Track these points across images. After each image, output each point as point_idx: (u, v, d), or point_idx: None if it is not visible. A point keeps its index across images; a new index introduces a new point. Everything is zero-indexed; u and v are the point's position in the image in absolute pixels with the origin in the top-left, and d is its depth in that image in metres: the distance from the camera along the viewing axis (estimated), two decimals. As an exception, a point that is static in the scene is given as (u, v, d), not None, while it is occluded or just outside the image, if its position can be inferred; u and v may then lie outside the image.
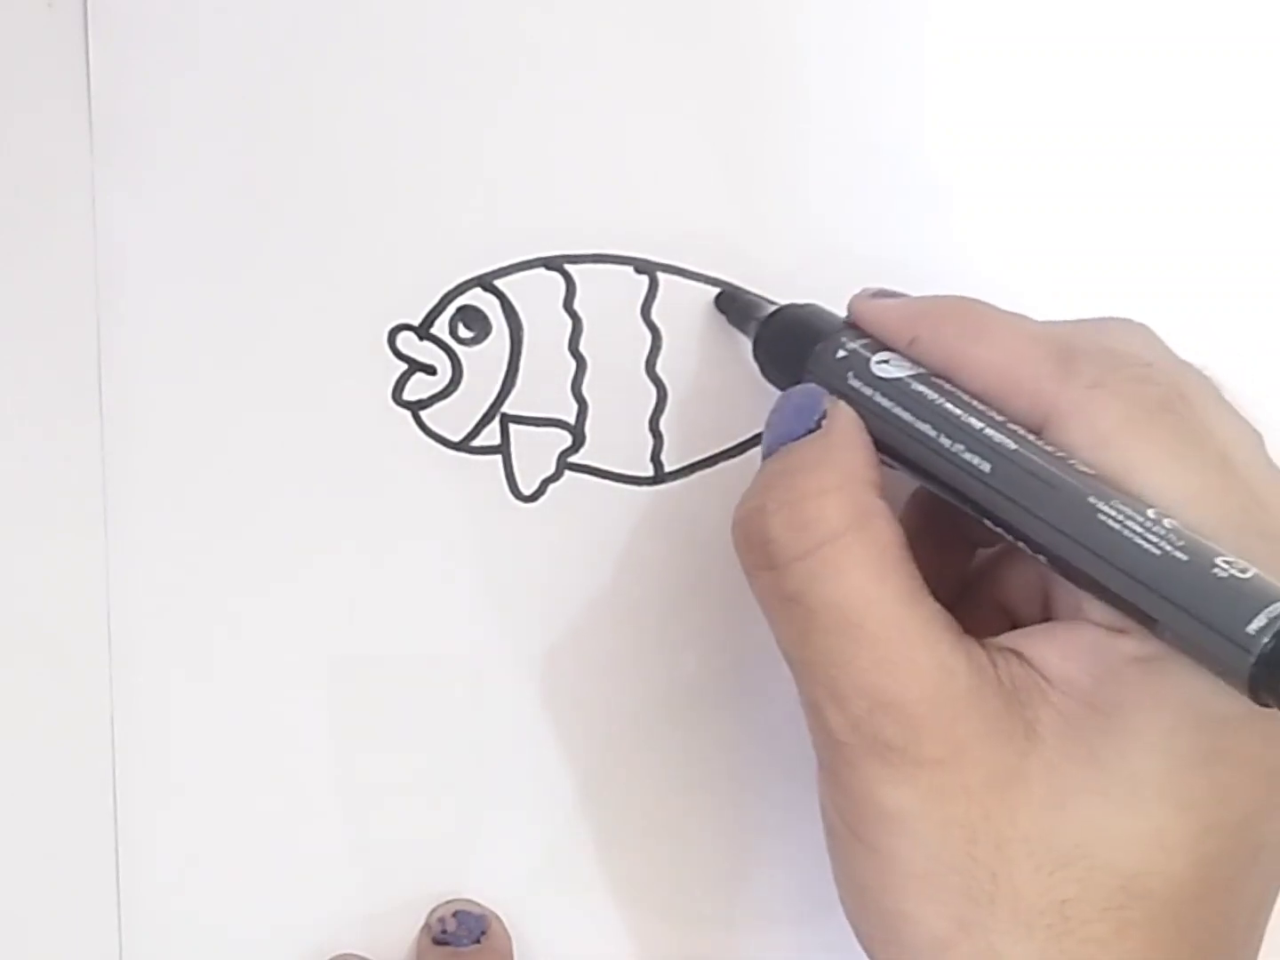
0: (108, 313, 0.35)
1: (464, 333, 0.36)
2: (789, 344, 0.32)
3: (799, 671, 0.29)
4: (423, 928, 0.35)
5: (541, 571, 0.36)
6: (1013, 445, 0.27)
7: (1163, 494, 0.26)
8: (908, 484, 0.31)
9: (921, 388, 0.29)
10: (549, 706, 0.36)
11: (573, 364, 0.36)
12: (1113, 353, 0.29)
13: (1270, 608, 0.24)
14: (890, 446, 0.29)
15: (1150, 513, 0.26)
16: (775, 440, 0.30)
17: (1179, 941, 0.27)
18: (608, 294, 0.36)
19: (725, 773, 0.37)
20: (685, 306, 0.36)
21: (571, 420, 0.36)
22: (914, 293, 0.36)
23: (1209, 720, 0.27)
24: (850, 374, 0.30)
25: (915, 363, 0.29)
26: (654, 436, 0.36)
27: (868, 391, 0.29)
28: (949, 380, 0.29)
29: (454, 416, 0.36)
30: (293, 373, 0.36)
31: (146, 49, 0.35)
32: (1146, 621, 0.25)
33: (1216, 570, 0.25)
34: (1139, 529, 0.25)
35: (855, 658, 0.28)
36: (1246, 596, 0.24)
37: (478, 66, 0.36)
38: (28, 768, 0.35)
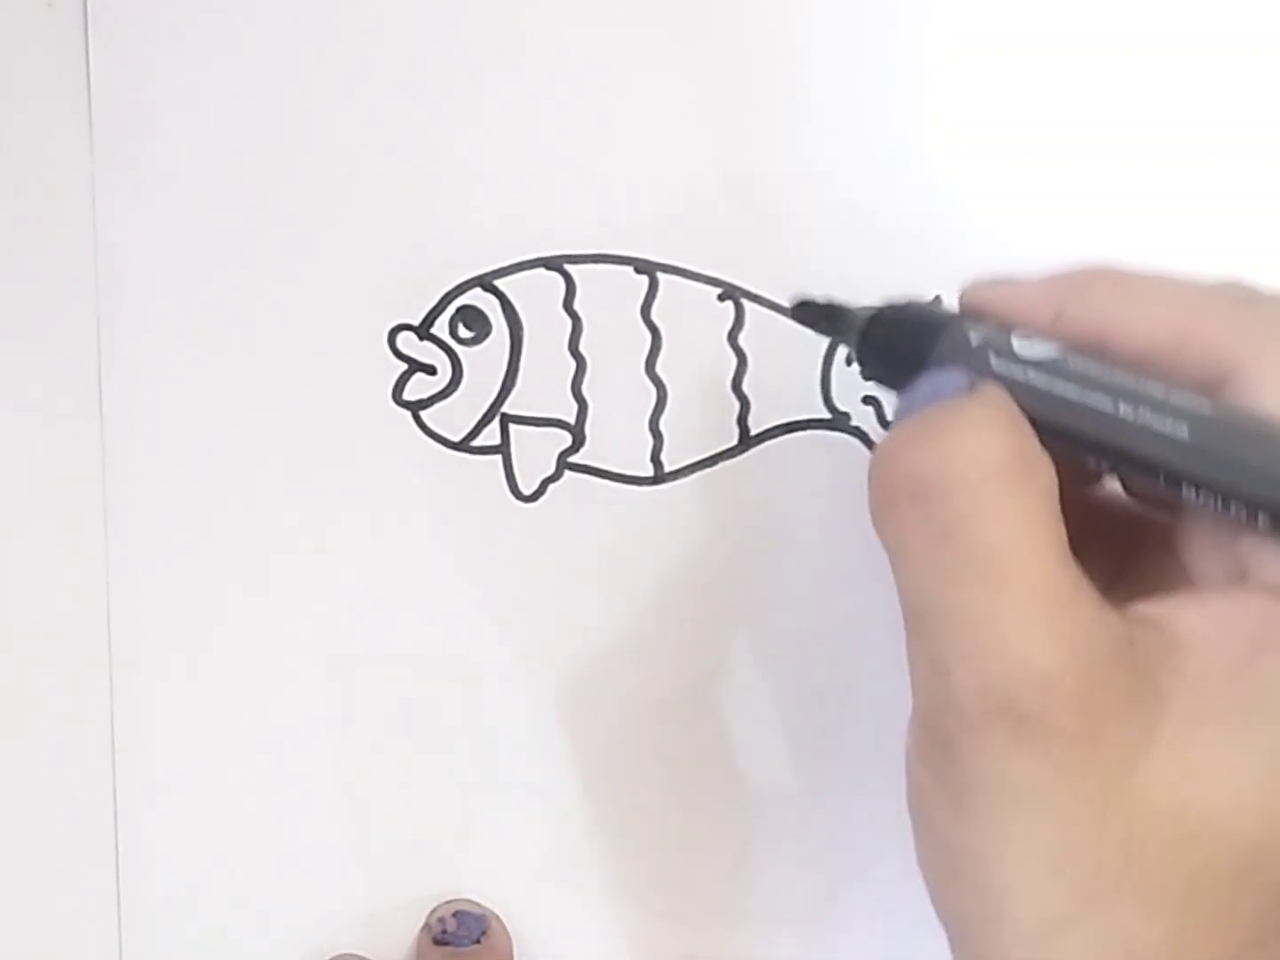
0: (108, 313, 0.35)
1: (464, 333, 0.36)
2: (905, 342, 0.29)
3: (928, 622, 0.26)
4: (423, 928, 0.35)
5: (541, 571, 0.36)
6: (1207, 407, 0.26)
7: None
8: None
9: (1079, 359, 0.27)
10: (549, 706, 0.36)
11: (573, 364, 0.36)
12: None
13: None
14: (1051, 427, 0.27)
15: None
16: (922, 401, 0.27)
17: None
18: (608, 294, 0.36)
19: (725, 773, 0.37)
20: (685, 306, 0.36)
21: (571, 420, 0.36)
22: (918, 291, 0.35)
23: None
24: (993, 356, 0.27)
25: (1058, 339, 0.27)
26: (654, 436, 0.36)
27: (1019, 372, 0.27)
28: (1105, 350, 0.27)
29: (454, 416, 0.36)
30: (293, 373, 0.36)
31: (146, 49, 0.35)
32: None
33: None
34: None
35: (1003, 612, 0.25)
36: None
37: (478, 67, 0.36)
38: (28, 768, 0.35)
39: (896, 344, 0.29)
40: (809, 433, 0.37)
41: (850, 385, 0.37)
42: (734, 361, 0.36)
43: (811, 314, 0.32)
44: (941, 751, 0.27)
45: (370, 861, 0.36)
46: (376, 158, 0.36)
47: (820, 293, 0.31)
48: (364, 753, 0.36)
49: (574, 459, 0.36)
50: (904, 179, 0.37)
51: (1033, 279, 0.29)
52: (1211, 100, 0.37)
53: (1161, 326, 0.26)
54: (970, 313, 0.29)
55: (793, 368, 0.36)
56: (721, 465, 0.36)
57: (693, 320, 0.36)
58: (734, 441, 0.36)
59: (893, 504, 0.27)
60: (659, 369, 0.36)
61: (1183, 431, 0.25)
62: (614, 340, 0.36)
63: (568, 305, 0.36)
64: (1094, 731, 0.25)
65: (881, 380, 0.30)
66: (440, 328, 0.36)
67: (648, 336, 0.36)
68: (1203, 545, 0.28)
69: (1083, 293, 0.28)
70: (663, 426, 0.36)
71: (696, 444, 0.36)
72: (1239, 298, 0.27)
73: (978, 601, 0.25)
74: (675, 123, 0.36)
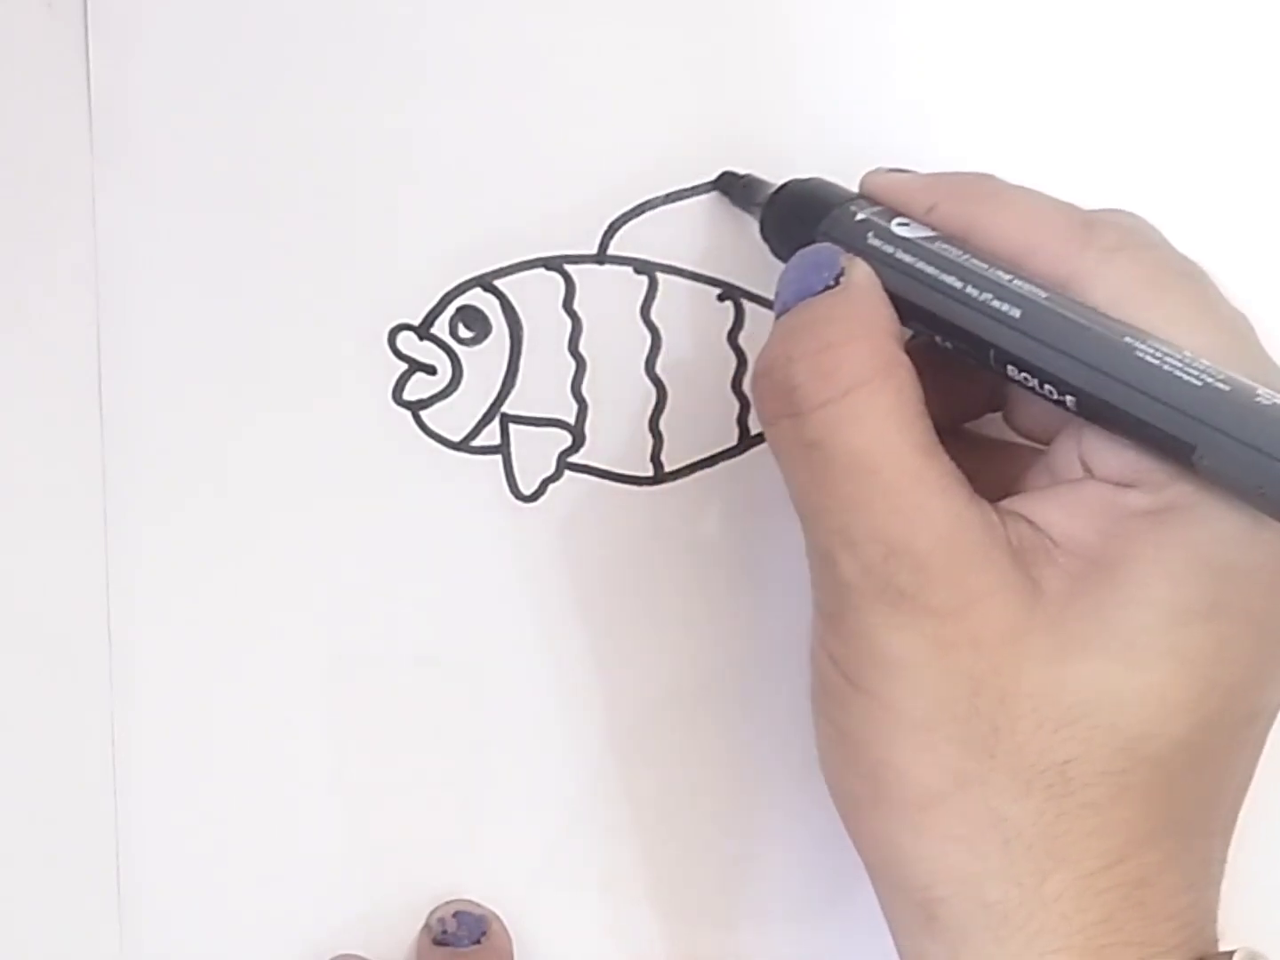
0: (108, 313, 0.35)
1: (464, 333, 0.36)
2: (800, 214, 0.32)
3: (812, 520, 0.29)
4: (423, 928, 0.35)
5: (541, 571, 0.36)
6: (1043, 293, 0.28)
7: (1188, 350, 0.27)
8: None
9: (944, 245, 0.29)
10: (549, 706, 0.36)
11: (573, 364, 0.36)
12: (1129, 226, 0.29)
13: None
14: (911, 302, 0.29)
15: (1186, 353, 0.26)
16: (792, 297, 0.30)
17: (1169, 811, 0.27)
18: (608, 294, 0.36)
19: (726, 773, 0.37)
20: (685, 306, 0.36)
21: (571, 420, 0.36)
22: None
23: (1212, 570, 0.27)
24: (870, 234, 0.30)
25: (933, 228, 0.30)
26: (654, 436, 0.36)
27: (889, 249, 0.30)
28: (967, 246, 0.29)
29: (454, 416, 0.36)
30: (293, 373, 0.36)
31: (146, 49, 0.35)
32: (1183, 452, 0.26)
33: (1259, 398, 0.25)
34: (1179, 364, 0.26)
35: (871, 503, 0.28)
36: None
37: (478, 67, 0.36)
38: (28, 768, 0.35)
39: (793, 218, 0.32)
40: (809, 433, 0.36)
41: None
42: (734, 361, 0.36)
43: (728, 185, 0.35)
44: (834, 632, 0.29)
45: (370, 861, 0.36)
46: (376, 158, 0.36)
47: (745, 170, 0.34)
48: (364, 752, 0.36)
49: (574, 459, 0.36)
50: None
51: (919, 174, 0.32)
52: (1214, 97, 0.37)
53: (1016, 233, 0.29)
54: (867, 194, 0.32)
55: (793, 368, 0.36)
56: (721, 465, 0.36)
57: (693, 320, 0.36)
58: (734, 441, 0.36)
59: (770, 418, 0.29)
60: (659, 369, 0.36)
61: (1015, 313, 0.28)
62: (614, 340, 0.36)
63: (568, 305, 0.36)
64: (969, 610, 0.27)
65: (777, 253, 0.32)
66: (440, 328, 0.36)
67: (648, 336, 0.36)
68: (1060, 452, 0.30)
69: (958, 192, 0.30)
70: (663, 426, 0.36)
71: (696, 444, 0.36)
72: (1084, 219, 0.29)
73: (848, 496, 0.28)
74: (676, 123, 0.36)
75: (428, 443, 0.36)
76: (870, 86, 0.36)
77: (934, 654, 0.27)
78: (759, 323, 0.36)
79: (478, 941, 0.35)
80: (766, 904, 0.37)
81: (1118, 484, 0.28)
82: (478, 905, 0.36)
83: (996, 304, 0.28)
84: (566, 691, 0.36)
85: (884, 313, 0.29)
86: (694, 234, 0.36)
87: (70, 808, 0.35)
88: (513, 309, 0.36)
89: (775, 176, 0.35)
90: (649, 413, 0.36)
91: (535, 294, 0.36)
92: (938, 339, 0.29)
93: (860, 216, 0.31)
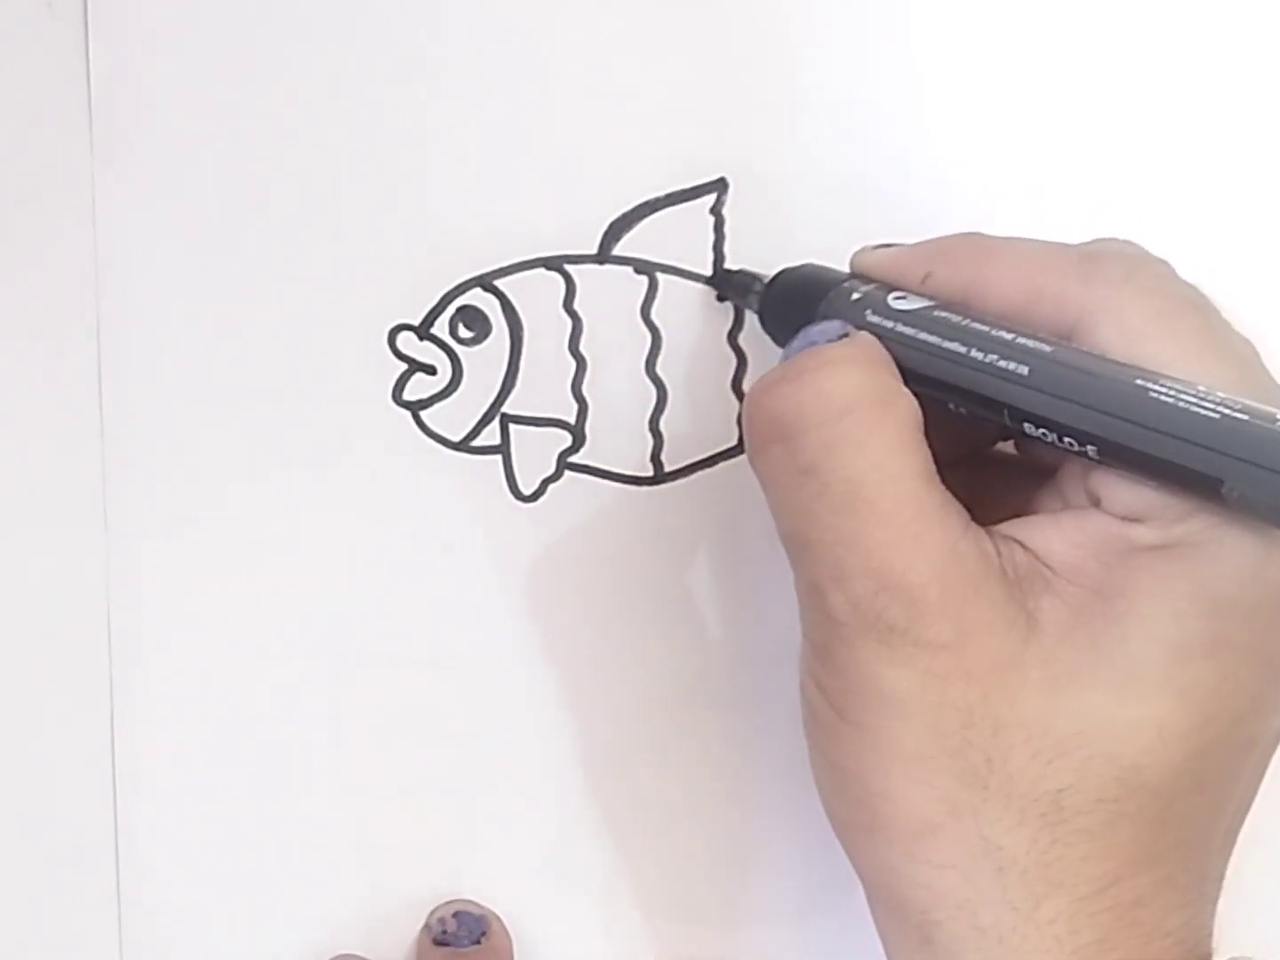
0: (108, 313, 0.35)
1: (464, 333, 0.36)
2: (798, 299, 0.32)
3: (802, 551, 0.28)
4: (423, 928, 0.36)
5: (541, 571, 0.36)
6: (1048, 347, 0.28)
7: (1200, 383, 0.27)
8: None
9: (943, 312, 0.29)
10: (549, 706, 0.36)
11: (573, 364, 0.36)
12: (1132, 256, 0.29)
13: None
14: (918, 373, 0.29)
15: (1200, 387, 0.26)
16: (794, 354, 0.30)
17: (1165, 835, 0.27)
18: (608, 294, 0.36)
19: (725, 773, 0.37)
20: (685, 306, 0.36)
21: (571, 420, 0.36)
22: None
23: (1215, 606, 0.27)
24: (868, 311, 0.30)
25: (931, 298, 0.30)
26: (654, 436, 0.36)
27: (889, 324, 0.29)
28: (968, 307, 0.29)
29: (454, 416, 0.36)
30: (293, 373, 0.36)
31: (146, 49, 0.35)
32: (1209, 486, 0.25)
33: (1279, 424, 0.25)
34: (1194, 399, 0.26)
35: (865, 535, 0.27)
36: None
37: (478, 66, 0.36)
38: (28, 767, 0.35)
39: (790, 306, 0.32)
40: (809, 433, 0.36)
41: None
42: (734, 361, 0.36)
43: (720, 283, 0.35)
44: (824, 665, 0.28)
45: (370, 861, 0.36)
46: (376, 157, 0.36)
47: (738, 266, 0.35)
48: (364, 753, 0.36)
49: (574, 459, 0.36)
50: (905, 178, 0.37)
51: (909, 245, 0.31)
52: (1214, 96, 0.37)
53: (1015, 285, 0.29)
54: (858, 275, 0.31)
55: (793, 368, 0.36)
56: (721, 465, 0.36)
57: (693, 320, 0.36)
58: (734, 441, 0.36)
59: (762, 444, 0.29)
60: (659, 369, 0.36)
61: (1024, 370, 0.27)
62: (614, 340, 0.36)
63: (568, 305, 0.36)
64: (962, 642, 0.27)
65: (779, 342, 0.32)
66: (440, 328, 0.36)
67: (648, 336, 0.36)
68: (1068, 479, 0.29)
69: (949, 256, 0.30)
70: (663, 426, 0.36)
71: (696, 444, 0.36)
72: (1083, 254, 0.29)
73: (841, 527, 0.27)
74: (675, 123, 0.36)
75: (428, 443, 0.36)
76: (870, 86, 0.36)
77: (926, 687, 0.27)
78: (759, 323, 0.36)
79: (478, 941, 0.35)
80: (766, 904, 0.37)
81: (1125, 518, 0.27)
82: (478, 905, 0.36)
83: (1004, 364, 0.28)
84: (566, 692, 0.36)
85: (885, 355, 0.29)
86: (694, 234, 0.36)
87: (70, 808, 0.35)
88: (513, 309, 0.36)
89: (775, 176, 0.36)
90: (649, 413, 0.36)
91: (535, 294, 0.36)
92: (951, 406, 0.29)
93: (856, 295, 0.30)
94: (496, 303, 0.36)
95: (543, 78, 0.36)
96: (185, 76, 0.35)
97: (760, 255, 0.36)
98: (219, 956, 0.36)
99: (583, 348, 0.36)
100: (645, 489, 0.36)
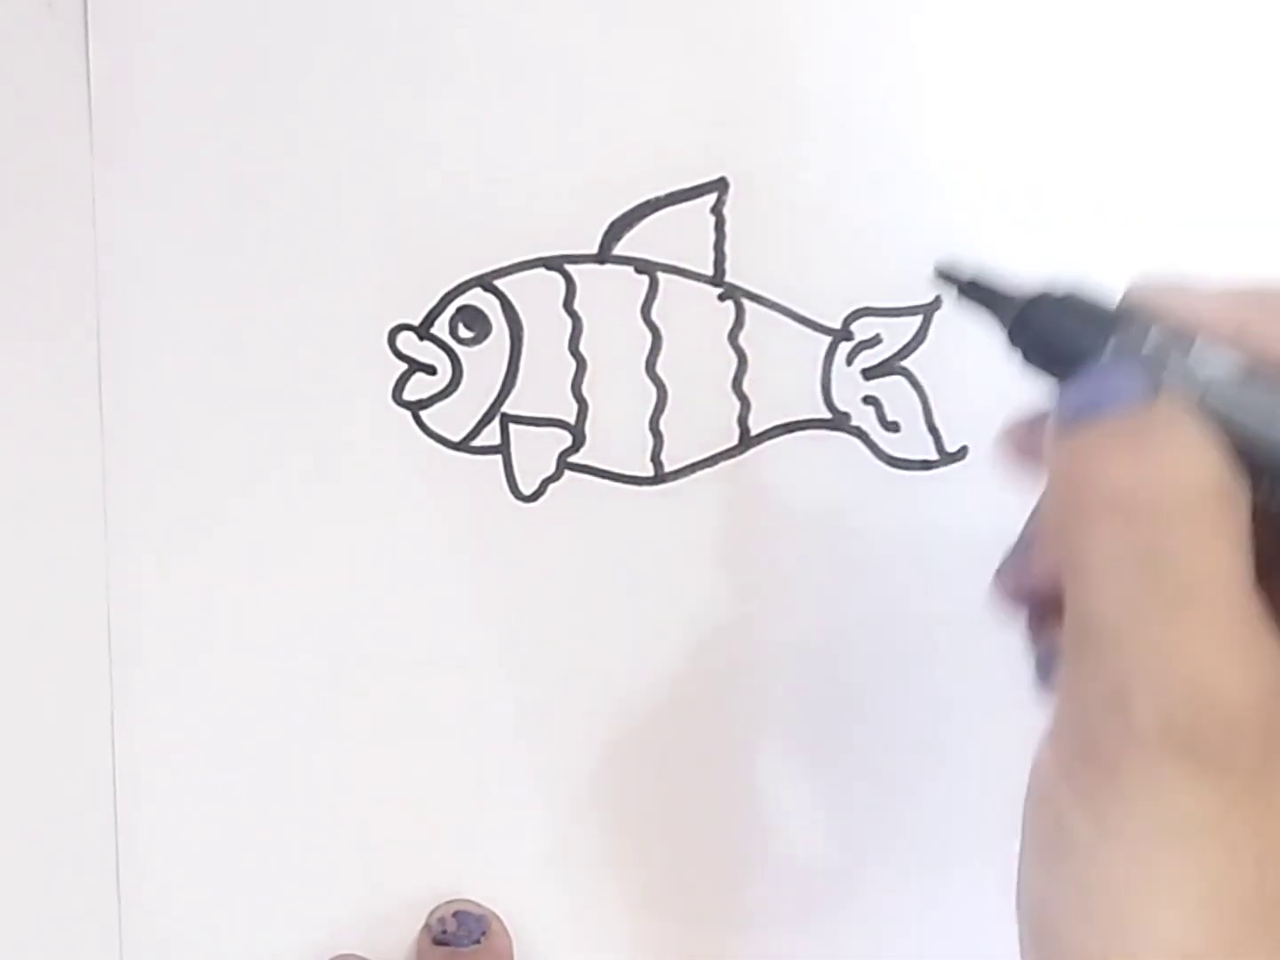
0: (108, 313, 0.35)
1: (464, 333, 0.36)
2: (1074, 329, 0.27)
3: (1113, 646, 0.25)
4: (423, 928, 0.36)
5: (541, 571, 0.36)
6: None
7: None
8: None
9: (1271, 380, 0.25)
10: (549, 706, 0.36)
11: (573, 364, 0.36)
12: None
13: None
14: (1233, 447, 0.25)
15: None
16: (1099, 400, 0.26)
17: None
18: (608, 294, 0.36)
19: (725, 773, 0.37)
20: (685, 306, 0.36)
21: (571, 420, 0.36)
22: (914, 301, 0.36)
23: None
24: (1170, 364, 0.26)
25: (1239, 352, 0.26)
26: (654, 436, 0.36)
27: (1197, 385, 0.25)
28: None
29: (454, 416, 0.36)
30: (293, 373, 0.36)
31: (146, 49, 0.35)
32: None
33: None
34: None
35: (1192, 638, 0.24)
36: None
37: (478, 67, 0.36)
38: (28, 767, 0.35)
39: (1061, 333, 0.28)
40: (809, 433, 0.37)
41: (850, 385, 0.37)
42: (734, 361, 0.36)
43: (956, 284, 0.30)
44: (1102, 779, 0.25)
45: (370, 861, 0.36)
46: (376, 158, 0.36)
47: (966, 263, 0.29)
48: (364, 753, 0.36)
49: (574, 459, 0.36)
50: (904, 179, 0.37)
51: (1213, 287, 0.27)
52: (1213, 97, 0.37)
53: None
54: (1147, 311, 0.27)
55: (793, 368, 0.36)
56: (721, 465, 0.36)
57: (693, 320, 0.36)
58: (734, 441, 0.36)
59: (1090, 519, 0.25)
60: (659, 369, 0.36)
61: None
62: (614, 340, 0.36)
63: (568, 305, 0.36)
64: (1270, 768, 0.25)
65: (1043, 368, 0.28)
66: (440, 328, 0.36)
67: (648, 336, 0.36)
68: None
69: (1270, 306, 0.26)
70: (663, 426, 0.36)
71: (696, 444, 0.36)
72: None
73: (1172, 629, 0.24)
74: (675, 123, 0.36)
75: (428, 443, 0.36)
76: (870, 86, 0.36)
77: (1228, 816, 0.25)
78: (759, 323, 0.36)
79: (478, 941, 0.35)
80: (766, 904, 0.37)
81: None
82: (478, 905, 0.36)
83: None
84: (566, 691, 0.36)
85: (1208, 433, 0.25)
86: (694, 234, 0.36)
87: (70, 808, 0.35)
88: (513, 309, 0.36)
89: (775, 176, 0.36)
90: (649, 413, 0.36)
91: (535, 294, 0.36)
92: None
93: (1154, 343, 0.26)
94: (496, 303, 0.36)
95: (543, 78, 0.36)
96: (185, 76, 0.35)
97: (760, 255, 0.36)
98: (219, 956, 0.36)
99: (583, 348, 0.36)
100: (645, 489, 0.36)
